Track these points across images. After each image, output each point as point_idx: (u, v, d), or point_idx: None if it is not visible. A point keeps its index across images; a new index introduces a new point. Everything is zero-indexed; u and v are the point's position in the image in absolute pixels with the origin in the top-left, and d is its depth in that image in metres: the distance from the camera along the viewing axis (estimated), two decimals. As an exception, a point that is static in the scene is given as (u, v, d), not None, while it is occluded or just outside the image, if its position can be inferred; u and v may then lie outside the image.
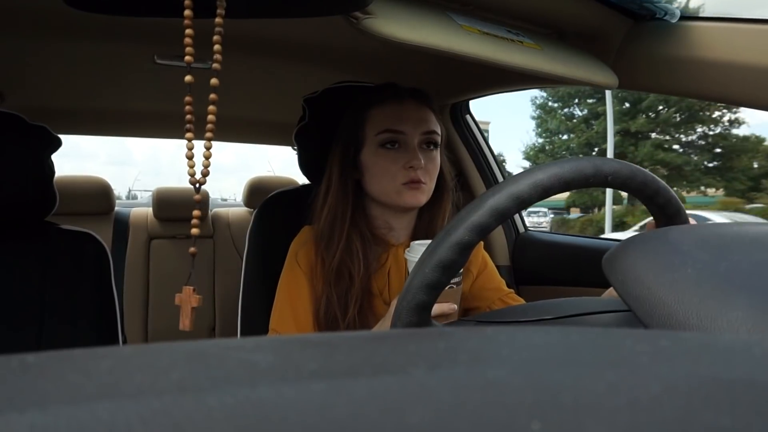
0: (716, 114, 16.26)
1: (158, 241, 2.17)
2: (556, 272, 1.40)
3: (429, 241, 0.61)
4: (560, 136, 18.99)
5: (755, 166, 16.62)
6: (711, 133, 16.67)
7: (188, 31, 0.45)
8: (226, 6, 0.48)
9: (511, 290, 1.00)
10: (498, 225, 0.45)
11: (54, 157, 0.97)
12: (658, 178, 0.51)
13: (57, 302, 0.93)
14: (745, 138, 16.38)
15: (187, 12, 0.44)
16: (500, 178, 1.55)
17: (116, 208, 2.21)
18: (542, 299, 0.61)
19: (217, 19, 0.47)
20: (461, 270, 0.77)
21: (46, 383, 0.13)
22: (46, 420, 0.11)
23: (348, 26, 0.61)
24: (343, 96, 1.06)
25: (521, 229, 1.56)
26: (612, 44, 0.90)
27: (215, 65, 0.47)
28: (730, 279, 0.31)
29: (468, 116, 1.52)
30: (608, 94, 15.04)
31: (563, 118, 18.78)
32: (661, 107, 16.32)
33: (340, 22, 0.61)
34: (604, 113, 15.34)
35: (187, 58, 0.46)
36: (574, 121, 18.76)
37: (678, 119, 16.44)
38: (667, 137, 17.03)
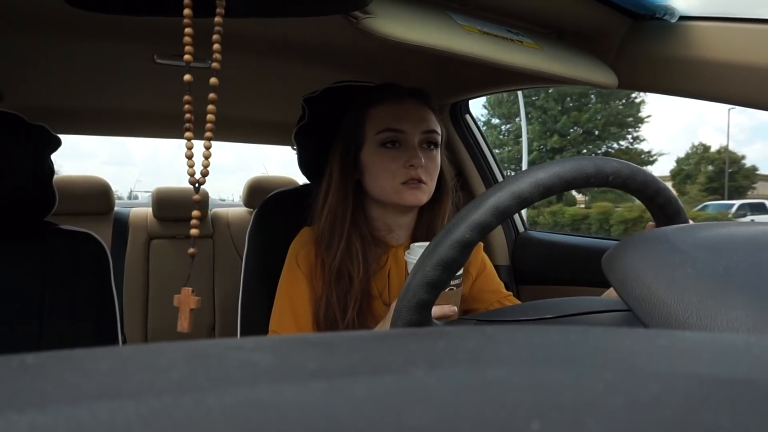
0: (625, 131, 20.41)
1: (158, 241, 2.16)
2: (556, 272, 1.40)
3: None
4: (504, 148, 22.69)
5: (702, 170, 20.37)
6: (617, 147, 20.63)
7: (188, 30, 0.45)
8: (225, 5, 0.48)
9: (510, 293, 1.00)
10: (499, 224, 0.45)
11: (54, 156, 0.97)
12: (659, 179, 0.51)
13: (56, 302, 0.93)
14: (647, 151, 20.58)
15: (186, 11, 0.44)
16: (500, 178, 1.55)
17: (116, 208, 2.21)
18: (542, 299, 0.61)
19: (217, 19, 0.47)
20: (461, 271, 0.77)
21: (45, 383, 0.13)
22: (46, 420, 0.11)
23: (348, 26, 0.61)
24: (343, 96, 1.06)
25: (521, 229, 1.56)
26: (612, 44, 0.90)
27: (215, 65, 0.47)
28: (729, 278, 0.31)
29: (467, 116, 1.52)
30: (523, 117, 17.80)
31: (497, 133, 22.67)
32: (572, 129, 20.56)
33: (340, 22, 0.61)
34: (529, 131, 19.27)
35: (187, 57, 0.46)
36: (509, 136, 22.80)
37: (584, 139, 20.70)
38: (577, 152, 20.95)
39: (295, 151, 1.13)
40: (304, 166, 1.11)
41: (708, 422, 0.12)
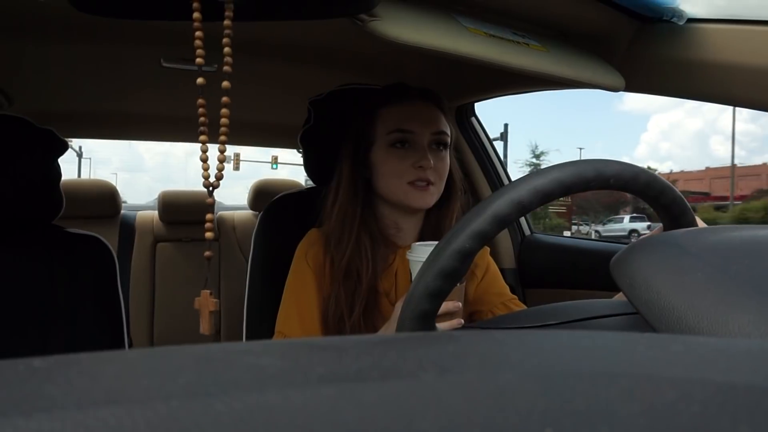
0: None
1: (164, 244, 2.17)
2: (563, 275, 1.40)
3: (430, 242, 0.60)
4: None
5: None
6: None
7: (198, 33, 0.45)
8: (233, 9, 0.48)
9: (515, 296, 1.00)
10: (499, 231, 0.45)
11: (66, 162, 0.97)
12: (663, 178, 0.50)
13: (63, 305, 0.93)
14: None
15: (195, 15, 0.44)
16: (506, 182, 1.54)
17: (122, 212, 2.22)
18: (549, 302, 0.61)
19: (226, 22, 0.47)
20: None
21: (53, 388, 0.13)
22: (53, 425, 0.11)
23: (354, 29, 0.61)
24: (349, 98, 1.06)
25: (527, 232, 1.56)
26: (619, 46, 0.90)
27: (226, 68, 0.47)
28: (740, 282, 0.30)
29: (473, 119, 1.52)
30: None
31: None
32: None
33: (346, 25, 0.61)
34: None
35: (198, 60, 0.46)
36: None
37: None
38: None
39: (300, 154, 1.13)
40: (310, 168, 1.11)
41: (726, 430, 0.11)
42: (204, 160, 0.49)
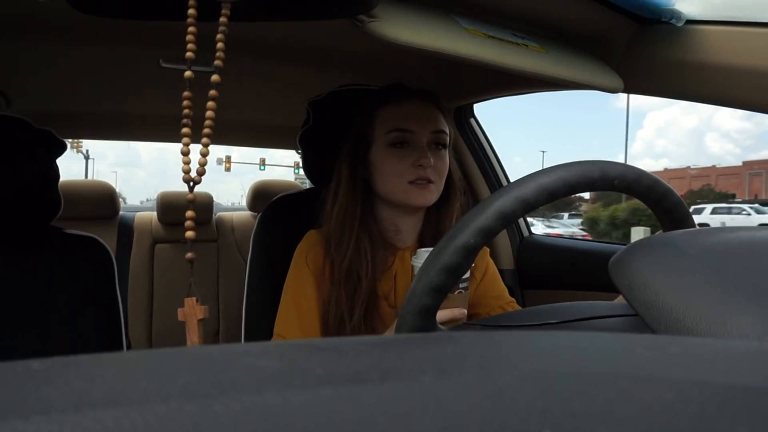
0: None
1: (162, 245, 2.17)
2: (562, 276, 1.40)
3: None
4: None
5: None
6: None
7: (191, 29, 0.45)
8: (231, 8, 0.48)
9: (513, 299, 1.00)
10: (503, 228, 0.45)
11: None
12: (665, 183, 0.50)
13: (61, 307, 0.93)
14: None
15: (191, 11, 0.44)
16: (505, 183, 1.54)
17: (121, 213, 2.22)
18: (547, 303, 0.61)
19: (222, 19, 0.47)
20: (469, 274, 0.77)
21: (50, 390, 0.13)
22: (51, 427, 0.11)
23: (352, 29, 0.61)
24: (348, 99, 1.06)
25: (525, 233, 1.56)
26: (617, 47, 0.90)
27: (217, 62, 0.46)
28: (739, 284, 0.30)
29: (472, 119, 1.52)
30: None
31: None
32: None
33: (345, 26, 0.61)
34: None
35: (188, 54, 0.46)
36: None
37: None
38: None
39: (299, 155, 1.13)
40: (309, 169, 1.11)
41: (725, 431, 0.11)
42: (185, 153, 0.47)
